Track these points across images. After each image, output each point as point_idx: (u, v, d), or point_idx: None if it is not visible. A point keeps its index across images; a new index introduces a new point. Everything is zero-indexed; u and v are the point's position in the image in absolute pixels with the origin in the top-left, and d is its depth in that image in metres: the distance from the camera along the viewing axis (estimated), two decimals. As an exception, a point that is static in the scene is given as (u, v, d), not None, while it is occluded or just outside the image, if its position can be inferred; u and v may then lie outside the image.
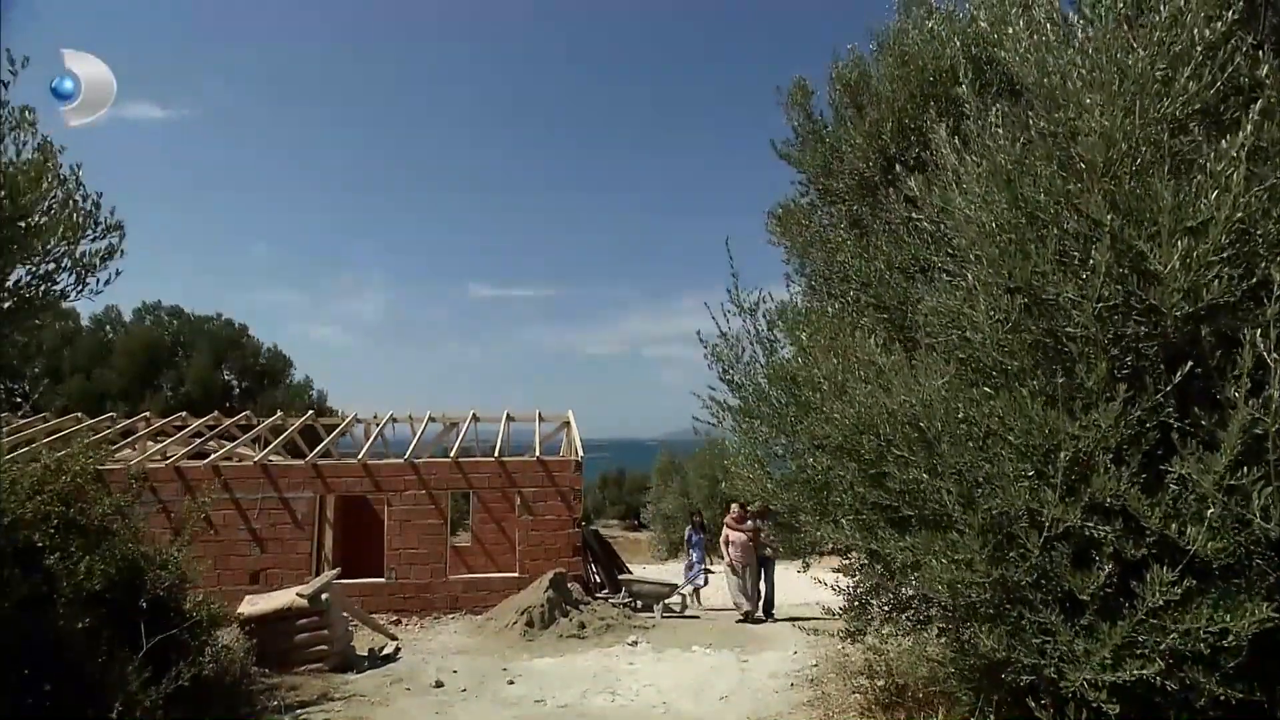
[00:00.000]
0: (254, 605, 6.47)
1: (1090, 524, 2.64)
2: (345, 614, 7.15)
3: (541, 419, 13.06)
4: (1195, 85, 2.56)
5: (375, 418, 12.99)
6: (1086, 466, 2.68)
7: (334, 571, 7.18)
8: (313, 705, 5.57)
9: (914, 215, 3.95)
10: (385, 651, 7.19)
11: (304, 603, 6.38)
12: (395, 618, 9.79)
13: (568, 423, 12.94)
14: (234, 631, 6.22)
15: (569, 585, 9.26)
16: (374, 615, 9.81)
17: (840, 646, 5.84)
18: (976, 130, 3.25)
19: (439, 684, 6.21)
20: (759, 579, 9.57)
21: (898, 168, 4.78)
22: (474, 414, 12.93)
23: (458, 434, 11.99)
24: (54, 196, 3.34)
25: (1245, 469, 2.36)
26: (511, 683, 6.31)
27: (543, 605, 8.22)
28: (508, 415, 13.10)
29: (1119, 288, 2.62)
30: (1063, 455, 2.64)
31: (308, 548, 10.21)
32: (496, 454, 10.83)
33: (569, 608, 8.57)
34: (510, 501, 11.11)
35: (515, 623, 8.02)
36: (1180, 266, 2.44)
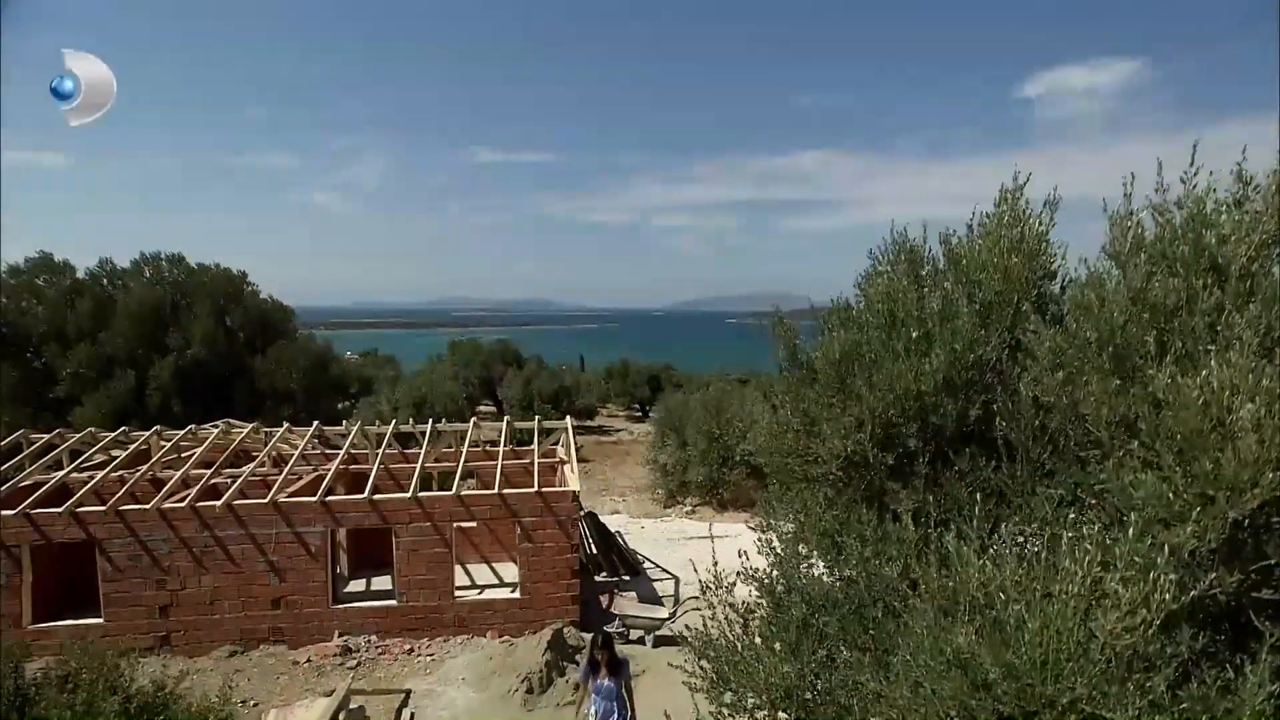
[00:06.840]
0: (278, 725, 7.24)
1: None
2: (361, 706, 7.95)
3: (540, 426, 13.45)
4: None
5: (378, 424, 13.39)
6: None
7: (345, 686, 7.89)
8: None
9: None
10: (399, 736, 8.07)
11: (323, 726, 7.12)
12: (408, 645, 10.77)
13: (565, 430, 13.35)
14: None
15: (564, 633, 10.08)
16: (387, 638, 10.84)
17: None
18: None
19: (447, 799, 7.09)
20: None
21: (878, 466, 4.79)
22: (475, 421, 13.32)
23: (464, 447, 12.41)
24: None
25: None
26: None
27: (541, 671, 9.04)
28: (508, 421, 13.49)
29: None
30: None
31: (323, 576, 11.01)
32: (497, 487, 11.32)
33: (565, 664, 9.41)
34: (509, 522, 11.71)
35: (516, 690, 8.86)
36: None
